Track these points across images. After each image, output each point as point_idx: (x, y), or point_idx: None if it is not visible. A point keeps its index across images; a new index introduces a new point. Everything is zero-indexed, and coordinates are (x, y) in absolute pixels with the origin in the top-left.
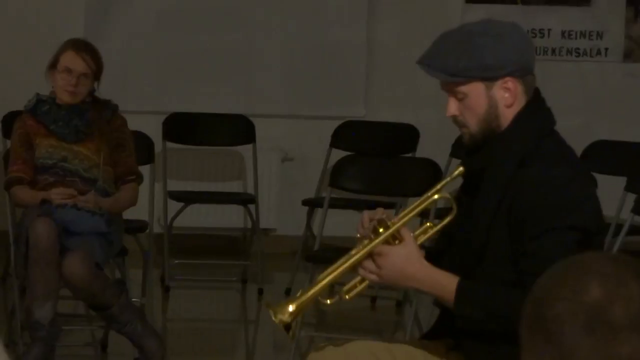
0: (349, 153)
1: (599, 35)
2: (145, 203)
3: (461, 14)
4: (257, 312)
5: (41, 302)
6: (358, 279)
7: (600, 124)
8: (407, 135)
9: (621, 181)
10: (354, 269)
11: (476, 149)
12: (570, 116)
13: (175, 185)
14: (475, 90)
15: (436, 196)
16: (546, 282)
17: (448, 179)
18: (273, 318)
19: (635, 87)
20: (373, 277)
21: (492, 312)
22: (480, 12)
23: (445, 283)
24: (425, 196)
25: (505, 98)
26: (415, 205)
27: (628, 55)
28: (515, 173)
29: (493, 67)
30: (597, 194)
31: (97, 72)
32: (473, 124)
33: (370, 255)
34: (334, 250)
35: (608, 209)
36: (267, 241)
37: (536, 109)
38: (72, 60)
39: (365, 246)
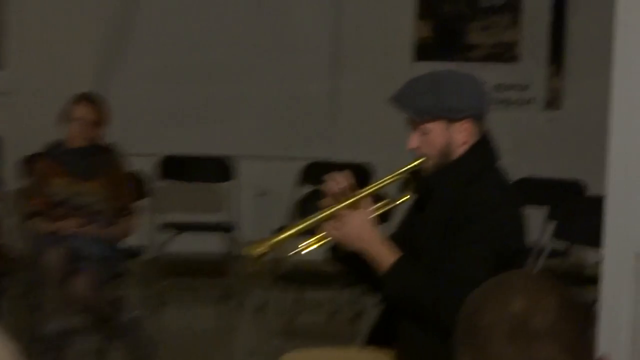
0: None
1: (524, 88)
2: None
3: (408, 71)
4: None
5: (52, 318)
6: (314, 238)
7: (525, 163)
8: (362, 172)
9: (541, 212)
10: (317, 226)
11: (428, 174)
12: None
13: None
14: (437, 128)
15: (393, 179)
16: (477, 297)
17: (402, 169)
18: (250, 252)
19: (554, 131)
20: (335, 233)
21: (411, 291)
22: (425, 68)
23: (388, 254)
24: (383, 179)
25: (461, 137)
26: (377, 184)
27: (551, 104)
28: (457, 194)
29: (456, 109)
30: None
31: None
32: (431, 155)
33: (333, 216)
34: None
35: (531, 235)
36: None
37: (481, 148)
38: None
39: (330, 208)
